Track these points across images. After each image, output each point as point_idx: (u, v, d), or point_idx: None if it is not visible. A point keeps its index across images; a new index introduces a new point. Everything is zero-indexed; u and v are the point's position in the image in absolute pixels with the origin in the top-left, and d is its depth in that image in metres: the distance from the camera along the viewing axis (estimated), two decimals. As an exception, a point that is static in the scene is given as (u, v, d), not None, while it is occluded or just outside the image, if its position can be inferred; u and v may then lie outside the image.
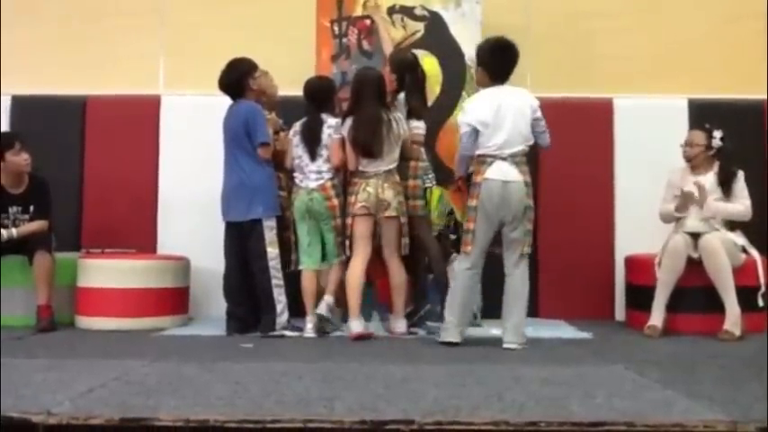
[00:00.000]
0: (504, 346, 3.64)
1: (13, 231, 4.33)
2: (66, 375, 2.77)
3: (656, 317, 4.19)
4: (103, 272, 4.36)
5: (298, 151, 4.17)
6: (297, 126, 4.22)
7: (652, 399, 2.46)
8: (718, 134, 4.42)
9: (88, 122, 5.19)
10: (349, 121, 4.05)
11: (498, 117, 3.69)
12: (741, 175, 4.39)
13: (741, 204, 4.34)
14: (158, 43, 5.30)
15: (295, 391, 2.52)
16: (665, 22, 5.25)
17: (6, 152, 4.35)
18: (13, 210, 4.40)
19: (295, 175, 4.18)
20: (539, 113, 3.76)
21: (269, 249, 4.05)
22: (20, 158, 4.37)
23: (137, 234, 4.99)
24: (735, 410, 2.27)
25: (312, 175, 4.11)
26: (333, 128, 4.12)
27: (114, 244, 4.71)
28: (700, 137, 4.46)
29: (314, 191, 4.09)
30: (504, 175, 3.66)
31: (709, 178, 4.40)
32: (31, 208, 4.43)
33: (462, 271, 3.74)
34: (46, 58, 5.27)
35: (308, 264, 4.14)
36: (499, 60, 3.81)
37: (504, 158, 3.68)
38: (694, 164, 4.46)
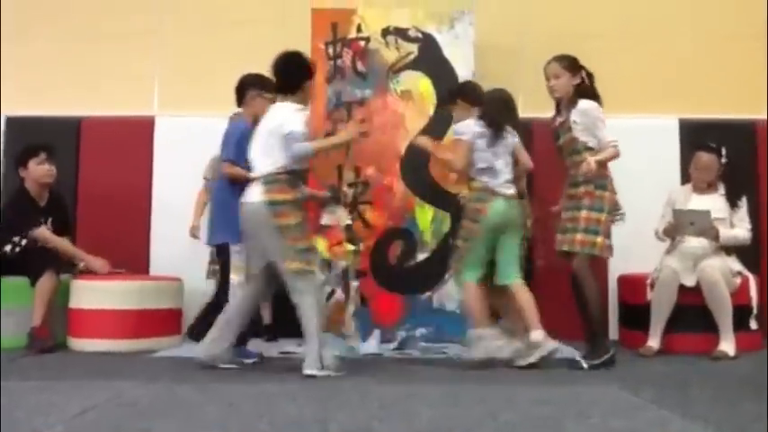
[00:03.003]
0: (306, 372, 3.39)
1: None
2: (59, 397, 2.75)
3: (654, 340, 4.20)
4: (96, 293, 4.33)
5: (486, 156, 3.84)
6: (477, 128, 3.87)
7: (647, 418, 2.46)
8: (723, 151, 4.38)
9: (82, 143, 5.20)
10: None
11: (255, 136, 3.61)
12: (744, 199, 4.39)
13: (745, 230, 4.33)
14: (153, 65, 5.33)
15: (288, 413, 2.50)
16: (656, 43, 5.32)
17: (30, 160, 4.46)
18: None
19: (486, 180, 3.84)
20: (287, 128, 3.49)
21: (231, 275, 3.86)
22: (42, 168, 4.46)
23: (130, 254, 4.98)
24: (729, 431, 2.27)
25: (508, 183, 3.86)
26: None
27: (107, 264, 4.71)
28: (713, 161, 4.37)
29: (511, 198, 3.84)
30: (248, 196, 3.54)
31: (716, 200, 4.36)
32: (50, 221, 4.49)
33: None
34: (40, 78, 5.30)
35: (475, 277, 3.84)
36: (285, 71, 3.65)
37: (256, 179, 3.55)
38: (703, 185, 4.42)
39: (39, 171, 4.47)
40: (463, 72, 4.60)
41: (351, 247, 4.35)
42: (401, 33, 4.66)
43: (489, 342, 3.71)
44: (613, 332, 4.92)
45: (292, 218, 3.50)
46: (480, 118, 3.89)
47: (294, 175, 3.58)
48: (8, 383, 3.07)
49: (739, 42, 5.32)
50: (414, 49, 4.65)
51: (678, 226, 4.29)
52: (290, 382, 3.22)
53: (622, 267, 4.81)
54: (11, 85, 5.22)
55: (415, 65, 4.64)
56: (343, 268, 4.41)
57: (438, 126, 4.58)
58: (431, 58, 4.64)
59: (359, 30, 4.66)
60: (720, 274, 4.14)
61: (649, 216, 4.56)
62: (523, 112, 4.39)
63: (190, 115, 5.13)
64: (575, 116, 3.80)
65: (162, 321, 4.44)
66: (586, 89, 3.87)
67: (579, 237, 3.76)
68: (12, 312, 4.32)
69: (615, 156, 3.78)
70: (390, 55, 4.64)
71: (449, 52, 4.64)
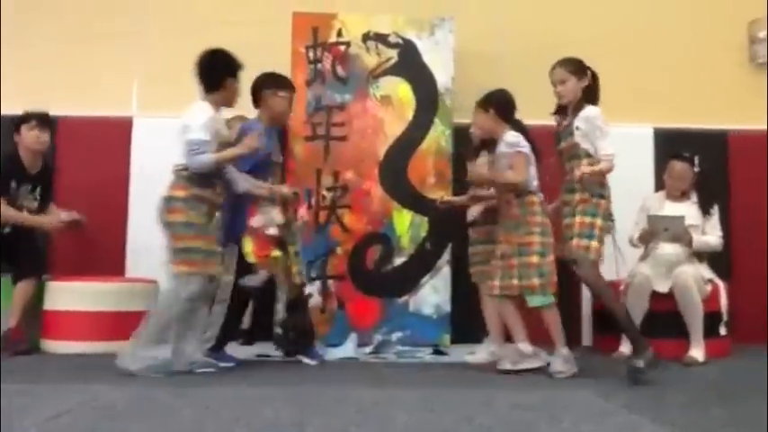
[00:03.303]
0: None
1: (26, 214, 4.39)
2: (33, 400, 2.73)
3: (626, 346, 4.23)
4: (71, 295, 4.31)
5: (535, 171, 3.84)
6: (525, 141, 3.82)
7: (617, 423, 2.50)
8: (696, 160, 4.46)
9: (59, 143, 5.15)
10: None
11: None
12: (716, 207, 4.47)
13: (717, 237, 4.41)
14: (132, 66, 5.30)
15: (265, 417, 2.51)
16: (631, 53, 5.40)
17: (22, 125, 4.47)
18: (25, 187, 4.45)
19: (540, 195, 3.81)
20: (188, 136, 3.49)
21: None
22: (32, 134, 4.46)
23: (106, 256, 4.95)
24: (697, 435, 2.32)
25: None
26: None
27: (83, 266, 4.67)
28: (687, 169, 4.45)
29: None
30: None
31: (689, 208, 4.43)
32: (38, 190, 4.48)
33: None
34: (18, 78, 5.24)
35: None
36: (207, 68, 3.61)
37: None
38: (677, 193, 4.49)
39: (29, 137, 4.46)
40: (443, 78, 4.65)
41: (276, 254, 3.82)
42: (381, 39, 4.69)
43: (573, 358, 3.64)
44: (587, 338, 4.99)
45: (182, 215, 3.43)
46: (523, 132, 3.82)
47: (198, 174, 3.49)
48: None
49: (713, 53, 5.42)
50: (394, 54, 4.69)
51: (652, 231, 4.35)
52: (267, 386, 3.22)
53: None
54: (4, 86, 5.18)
55: (394, 70, 4.67)
56: (266, 277, 3.85)
57: (416, 132, 4.63)
58: (411, 64, 4.68)
59: (339, 34, 4.68)
60: (694, 280, 4.21)
61: (624, 223, 4.61)
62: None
63: (168, 117, 5.09)
64: (578, 122, 3.72)
65: (137, 324, 4.39)
66: (594, 92, 3.79)
67: (574, 241, 3.70)
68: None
69: (608, 170, 3.67)
70: (370, 60, 4.67)
71: (429, 58, 4.68)
